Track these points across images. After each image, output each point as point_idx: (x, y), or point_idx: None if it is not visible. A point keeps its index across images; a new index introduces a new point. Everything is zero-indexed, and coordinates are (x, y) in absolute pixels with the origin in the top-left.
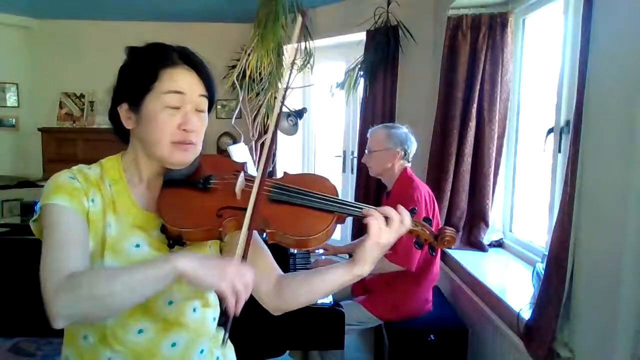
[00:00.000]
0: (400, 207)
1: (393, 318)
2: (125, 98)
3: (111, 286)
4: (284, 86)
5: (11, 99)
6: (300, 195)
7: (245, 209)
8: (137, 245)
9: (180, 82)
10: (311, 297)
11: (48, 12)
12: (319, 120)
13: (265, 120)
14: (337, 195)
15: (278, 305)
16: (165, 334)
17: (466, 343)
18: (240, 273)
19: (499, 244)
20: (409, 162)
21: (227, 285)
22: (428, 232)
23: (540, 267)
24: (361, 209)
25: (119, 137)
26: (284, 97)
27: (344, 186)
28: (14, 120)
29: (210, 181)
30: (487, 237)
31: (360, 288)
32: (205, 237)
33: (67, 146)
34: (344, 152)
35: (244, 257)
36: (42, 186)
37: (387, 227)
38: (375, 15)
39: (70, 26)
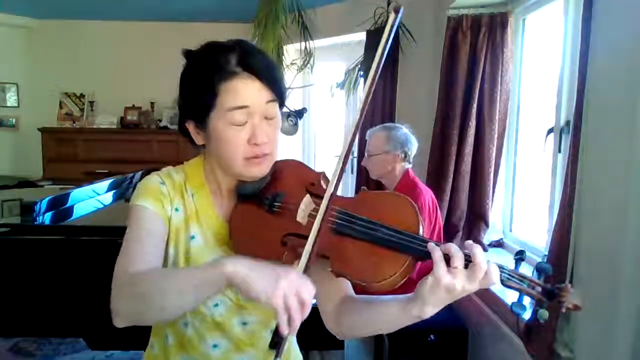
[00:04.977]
0: (484, 261)
1: None
2: (190, 115)
3: (161, 285)
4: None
5: (11, 99)
6: (368, 230)
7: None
8: None
9: (243, 94)
10: (367, 330)
11: (48, 12)
12: (319, 120)
13: None
14: (417, 225)
15: (337, 331)
16: (237, 352)
17: (466, 343)
18: (297, 287)
19: (499, 244)
20: (410, 163)
21: (278, 299)
22: (540, 292)
23: None
24: (437, 245)
25: (196, 147)
26: (363, 111)
27: (344, 187)
28: (14, 120)
29: (277, 201)
30: (487, 237)
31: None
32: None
33: (67, 146)
34: None
35: (306, 270)
36: (42, 186)
37: (455, 270)
38: (375, 15)
39: (70, 26)
